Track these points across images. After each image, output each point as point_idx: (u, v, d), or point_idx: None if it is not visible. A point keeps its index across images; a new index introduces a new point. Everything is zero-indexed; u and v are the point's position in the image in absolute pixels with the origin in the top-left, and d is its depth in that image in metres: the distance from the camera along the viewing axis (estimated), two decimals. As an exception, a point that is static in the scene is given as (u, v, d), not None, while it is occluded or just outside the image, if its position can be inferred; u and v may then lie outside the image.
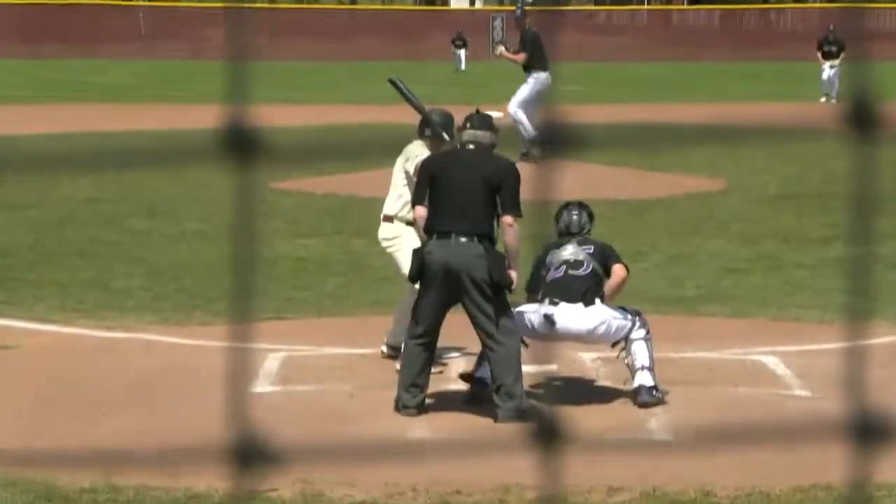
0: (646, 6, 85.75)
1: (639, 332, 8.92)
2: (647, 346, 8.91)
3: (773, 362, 10.18)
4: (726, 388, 9.47)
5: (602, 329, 8.89)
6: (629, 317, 8.96)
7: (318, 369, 9.88)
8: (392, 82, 10.08)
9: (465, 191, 8.57)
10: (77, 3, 71.75)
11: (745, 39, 68.95)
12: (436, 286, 8.59)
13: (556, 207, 9.45)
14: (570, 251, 9.00)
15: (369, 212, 14.18)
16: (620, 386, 9.22)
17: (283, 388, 9.47)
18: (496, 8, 79.80)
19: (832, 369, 9.71)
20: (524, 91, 21.78)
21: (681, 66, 59.35)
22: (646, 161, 23.17)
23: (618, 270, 9.03)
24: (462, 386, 9.13)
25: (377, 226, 10.10)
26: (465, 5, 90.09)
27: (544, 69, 21.55)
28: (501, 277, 8.44)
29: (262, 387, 9.46)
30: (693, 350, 10.50)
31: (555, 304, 8.83)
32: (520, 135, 21.38)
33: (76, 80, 48.46)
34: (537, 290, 8.94)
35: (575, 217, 9.25)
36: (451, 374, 9.67)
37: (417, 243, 9.12)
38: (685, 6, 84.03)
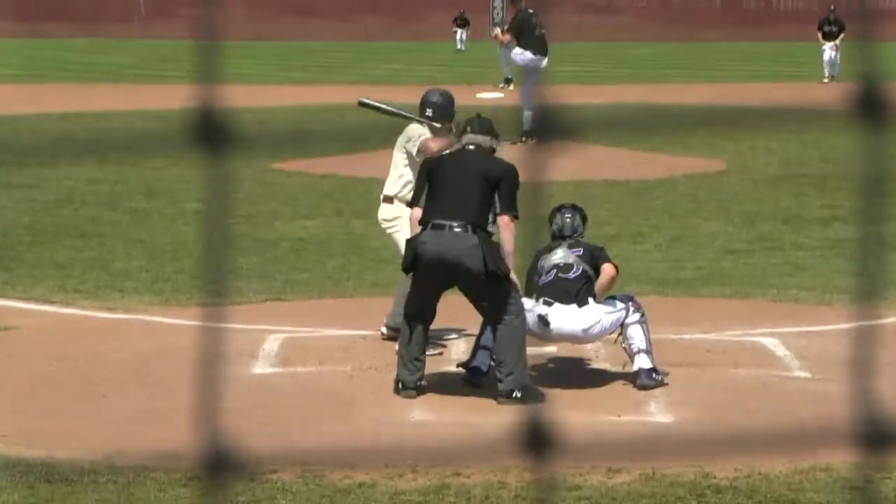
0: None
1: (633, 317, 8.99)
2: (643, 328, 8.97)
3: (772, 343, 10.19)
4: (726, 369, 9.48)
5: (597, 329, 8.98)
6: (620, 305, 9.03)
7: (317, 350, 9.88)
8: (363, 104, 10.20)
9: (463, 186, 8.60)
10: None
11: (745, 19, 68.83)
12: (430, 276, 8.61)
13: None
14: (559, 255, 9.11)
15: (369, 193, 14.19)
16: (619, 368, 9.24)
17: (283, 369, 9.48)
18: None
19: (832, 350, 9.73)
20: (524, 85, 21.86)
21: (681, 46, 59.27)
22: (644, 142, 23.16)
23: (607, 269, 9.10)
24: (460, 370, 9.14)
25: (377, 207, 10.11)
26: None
27: (532, 50, 21.50)
28: (498, 267, 8.45)
29: (261, 368, 9.47)
30: (693, 331, 10.51)
31: (548, 304, 8.91)
32: (519, 121, 21.31)
33: (76, 60, 48.38)
34: (530, 295, 9.01)
35: (568, 220, 9.35)
36: (450, 356, 9.68)
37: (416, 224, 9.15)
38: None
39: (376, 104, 10.13)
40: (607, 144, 21.95)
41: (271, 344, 10.03)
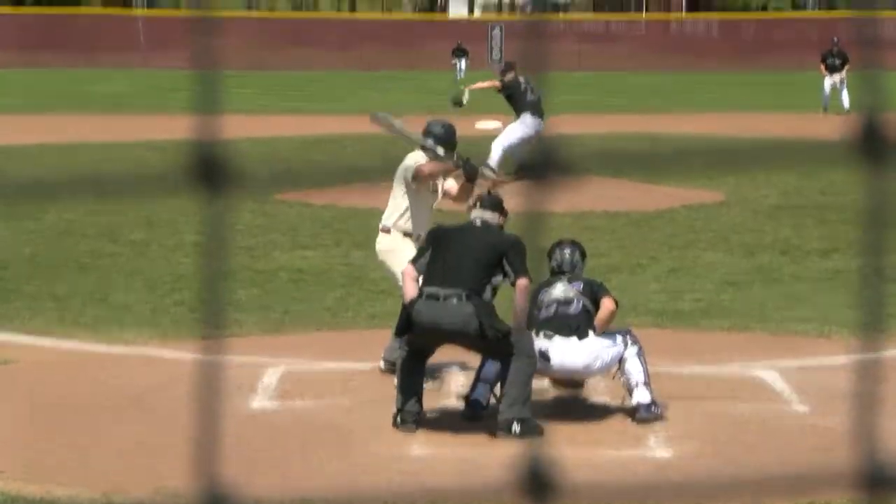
0: (644, 15, 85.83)
1: (631, 350, 9.02)
2: (641, 360, 8.98)
3: (772, 377, 10.18)
4: (725, 403, 9.46)
5: (598, 364, 9.00)
6: (619, 339, 9.05)
7: (316, 384, 9.88)
8: (374, 119, 10.21)
9: (464, 256, 8.69)
10: (76, 13, 71.83)
11: (743, 49, 69.01)
12: (425, 340, 8.74)
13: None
14: (560, 289, 9.14)
15: (369, 223, 14.19)
16: (619, 402, 9.23)
17: (281, 403, 9.47)
18: (495, 17, 79.90)
19: (831, 384, 9.72)
20: (513, 131, 21.64)
21: (679, 76, 59.41)
22: (644, 173, 23.18)
23: (606, 303, 9.12)
24: (460, 403, 9.14)
25: (376, 237, 10.12)
26: (464, 14, 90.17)
27: (532, 113, 21.42)
28: (498, 330, 8.49)
29: (260, 402, 9.46)
30: (692, 364, 10.50)
31: (549, 337, 8.93)
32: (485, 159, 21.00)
33: (75, 90, 48.47)
34: (530, 329, 9.02)
35: (567, 255, 9.39)
36: (449, 390, 9.67)
37: (414, 254, 9.21)
38: (683, 14, 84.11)
39: (387, 121, 10.12)
40: (606, 175, 21.97)
41: (270, 377, 10.02)
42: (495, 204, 9.12)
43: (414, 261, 8.99)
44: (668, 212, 19.03)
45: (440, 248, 8.82)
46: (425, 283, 8.73)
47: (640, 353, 9.02)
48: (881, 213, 2.33)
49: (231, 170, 2.19)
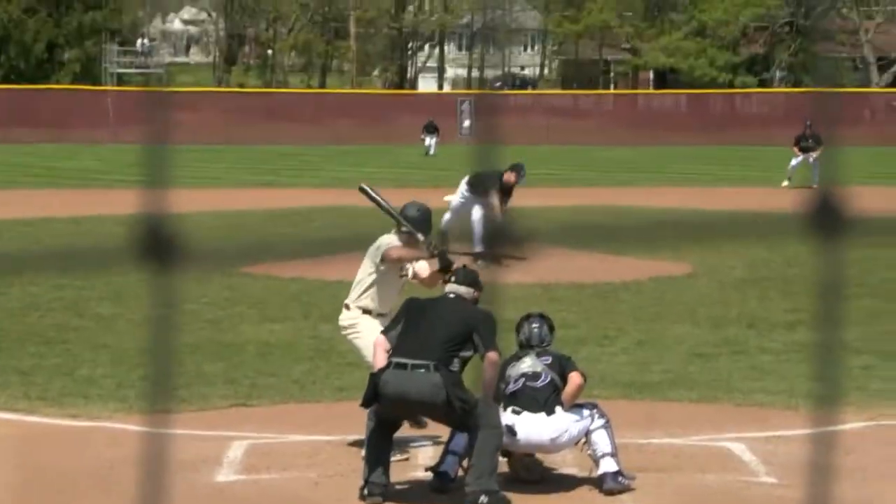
0: (612, 90, 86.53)
1: (598, 422, 9.02)
2: (608, 433, 8.99)
3: (739, 448, 10.18)
4: (693, 474, 9.46)
5: (564, 438, 9.01)
6: (587, 413, 9.05)
7: (283, 456, 9.82)
8: (363, 190, 10.26)
9: (435, 328, 8.71)
10: (46, 88, 71.91)
11: (710, 123, 69.57)
12: (392, 410, 8.71)
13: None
14: (528, 364, 9.16)
15: (337, 296, 14.15)
16: (587, 473, 9.20)
17: (247, 476, 9.40)
18: (463, 91, 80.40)
19: (798, 455, 9.72)
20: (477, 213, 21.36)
21: (647, 150, 59.81)
22: (610, 245, 23.28)
23: (574, 378, 9.13)
24: (429, 475, 9.10)
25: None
26: (433, 88, 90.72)
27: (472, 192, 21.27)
28: (465, 402, 8.48)
29: (225, 475, 9.39)
30: (660, 436, 10.50)
31: (517, 412, 8.93)
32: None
33: (45, 165, 48.44)
34: (498, 403, 9.02)
35: (535, 330, 9.42)
36: (417, 462, 9.63)
37: (376, 329, 9.22)
38: (651, 90, 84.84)
39: (373, 195, 10.18)
40: (573, 247, 22.06)
41: (235, 450, 9.96)
42: (470, 279, 9.15)
43: (386, 331, 8.99)
44: (635, 283, 19.09)
45: (412, 319, 8.83)
46: (394, 353, 8.72)
47: (608, 426, 9.03)
48: (836, 286, 2.36)
49: (181, 244, 2.19)
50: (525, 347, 9.34)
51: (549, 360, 9.21)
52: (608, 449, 8.95)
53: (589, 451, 9.04)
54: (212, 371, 12.76)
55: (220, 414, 11.08)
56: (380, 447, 8.71)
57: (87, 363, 13.39)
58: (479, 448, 8.49)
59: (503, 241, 2.26)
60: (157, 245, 2.15)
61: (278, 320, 16.01)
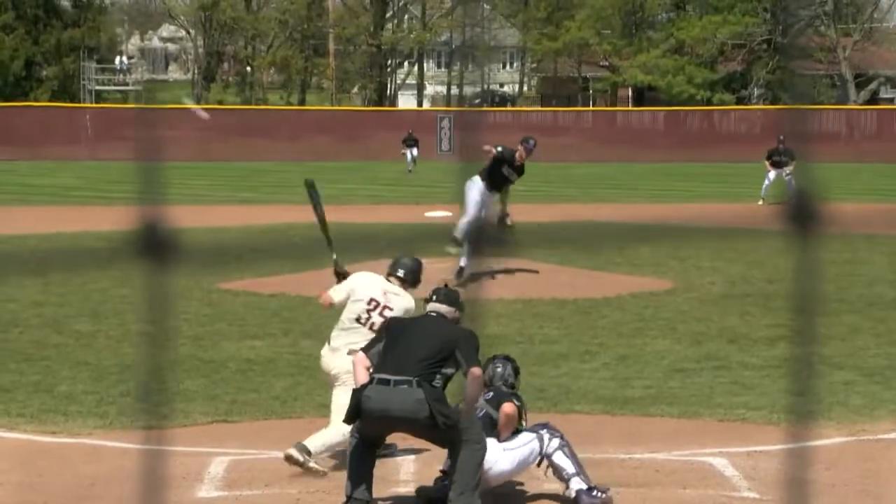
0: (591, 107, 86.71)
1: (552, 445, 8.99)
2: (566, 452, 8.98)
3: (721, 463, 10.18)
4: (675, 489, 9.45)
5: (496, 469, 8.87)
6: (527, 438, 9.00)
7: (264, 473, 9.78)
8: (309, 185, 10.38)
9: (416, 345, 8.71)
10: (24, 105, 71.72)
11: (688, 140, 69.76)
12: (375, 427, 8.68)
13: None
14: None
15: (317, 312, 14.14)
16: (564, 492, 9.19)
17: (228, 492, 9.37)
18: (443, 108, 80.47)
19: (779, 470, 9.72)
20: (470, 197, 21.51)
21: (625, 167, 59.93)
22: (591, 261, 23.31)
23: (504, 408, 9.06)
24: (411, 490, 9.08)
25: (325, 326, 10.14)
26: (413, 106, 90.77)
27: (486, 183, 21.36)
28: (447, 417, 8.46)
29: (206, 492, 9.35)
30: (641, 451, 10.49)
31: None
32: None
33: (22, 183, 48.28)
34: None
35: (499, 370, 9.41)
36: (399, 476, 9.60)
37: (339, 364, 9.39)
38: (630, 107, 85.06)
39: (315, 198, 10.40)
40: (555, 262, 22.07)
41: (217, 467, 9.92)
42: (451, 298, 9.14)
43: (366, 349, 8.98)
44: (617, 299, 19.10)
45: (393, 338, 8.82)
46: (377, 370, 8.71)
47: (563, 446, 8.99)
48: (812, 282, 2.36)
49: (175, 243, 2.19)
50: (487, 387, 9.31)
51: (490, 395, 9.18)
52: (572, 469, 8.93)
53: (556, 476, 9.02)
54: (192, 387, 12.72)
55: (201, 430, 11.04)
56: (362, 463, 8.68)
57: (66, 380, 13.33)
58: (462, 464, 8.48)
59: (486, 240, 2.25)
60: (154, 244, 2.15)
61: (259, 337, 15.97)
